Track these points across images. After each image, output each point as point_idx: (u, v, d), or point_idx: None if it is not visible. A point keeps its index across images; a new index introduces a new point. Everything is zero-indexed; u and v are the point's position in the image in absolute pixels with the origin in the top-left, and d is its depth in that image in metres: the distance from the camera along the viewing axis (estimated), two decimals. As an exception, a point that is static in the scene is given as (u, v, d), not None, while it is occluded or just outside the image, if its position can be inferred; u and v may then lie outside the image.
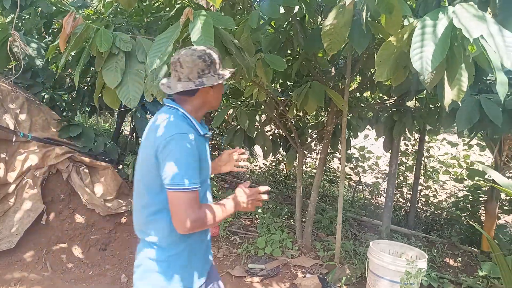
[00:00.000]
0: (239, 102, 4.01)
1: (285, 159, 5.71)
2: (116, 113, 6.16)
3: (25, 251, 3.49)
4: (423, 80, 1.69)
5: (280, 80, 4.09)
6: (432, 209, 5.32)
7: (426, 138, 5.10)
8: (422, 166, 5.11)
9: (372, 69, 3.66)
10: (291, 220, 4.66)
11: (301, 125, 4.68)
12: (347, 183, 6.06)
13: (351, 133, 4.49)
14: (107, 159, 4.47)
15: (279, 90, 4.34)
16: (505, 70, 1.85)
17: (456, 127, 3.08)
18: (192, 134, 1.43)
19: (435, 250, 4.00)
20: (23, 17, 4.56)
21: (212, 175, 2.34)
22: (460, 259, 3.98)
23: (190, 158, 1.39)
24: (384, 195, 4.69)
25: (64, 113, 4.95)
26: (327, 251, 3.84)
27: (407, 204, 5.38)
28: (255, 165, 7.18)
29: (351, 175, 6.07)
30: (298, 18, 2.94)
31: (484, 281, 3.39)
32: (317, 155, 6.02)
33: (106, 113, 6.22)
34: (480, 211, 4.59)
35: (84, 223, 3.84)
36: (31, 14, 4.44)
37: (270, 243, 3.89)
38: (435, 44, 1.42)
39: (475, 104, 2.85)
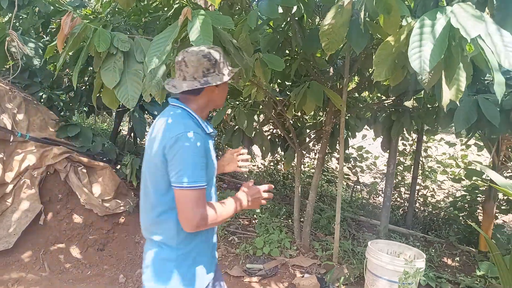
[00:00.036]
0: (238, 102, 4.01)
1: (283, 159, 5.72)
2: (114, 113, 6.15)
3: (23, 251, 3.48)
4: (421, 80, 1.69)
5: (279, 80, 4.09)
6: (430, 209, 5.33)
7: (424, 138, 5.10)
8: (420, 166, 5.12)
9: (370, 69, 3.67)
10: (289, 220, 4.66)
11: (299, 125, 4.68)
12: (345, 183, 6.07)
13: (349, 133, 4.50)
14: (105, 159, 4.47)
15: (278, 90, 4.34)
16: (503, 70, 1.86)
17: (454, 127, 3.08)
18: (199, 132, 1.45)
19: (433, 250, 4.01)
20: (20, 17, 4.55)
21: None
22: (458, 258, 3.99)
23: (197, 157, 1.40)
24: (382, 195, 4.70)
25: (62, 113, 4.94)
26: (325, 251, 3.85)
27: (405, 204, 5.39)
28: (253, 165, 7.18)
29: (349, 175, 6.07)
30: (297, 18, 2.94)
31: (482, 280, 3.40)
32: (315, 155, 6.02)
33: (104, 113, 6.21)
34: (478, 211, 4.60)
35: (82, 223, 3.83)
36: (28, 14, 4.43)
37: (269, 243, 3.89)
38: (433, 44, 1.42)
39: (473, 104, 2.86)
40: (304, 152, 4.95)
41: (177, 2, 3.29)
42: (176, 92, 1.50)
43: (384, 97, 4.33)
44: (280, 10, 2.66)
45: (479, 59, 1.71)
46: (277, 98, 3.83)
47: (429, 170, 5.58)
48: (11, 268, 3.32)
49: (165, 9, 3.81)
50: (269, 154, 4.33)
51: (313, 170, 5.95)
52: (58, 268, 3.43)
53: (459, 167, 5.33)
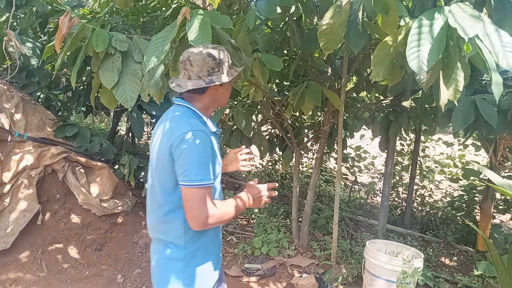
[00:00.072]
0: (236, 102, 4.01)
1: (281, 159, 5.71)
2: (112, 113, 6.14)
3: (21, 251, 3.47)
4: (419, 80, 1.70)
5: (277, 80, 4.09)
6: (428, 209, 5.34)
7: (422, 138, 5.12)
8: (417, 166, 5.13)
9: (368, 69, 3.67)
10: (288, 220, 4.66)
11: (298, 125, 4.68)
12: (343, 183, 6.07)
13: (347, 133, 4.50)
14: (103, 159, 4.46)
15: (276, 90, 4.34)
16: (501, 71, 1.86)
17: (451, 127, 3.09)
18: (204, 131, 1.45)
19: (431, 250, 4.02)
20: (18, 16, 4.53)
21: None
22: (455, 258, 4.00)
23: (203, 155, 1.41)
24: (380, 195, 4.70)
25: (60, 113, 4.93)
26: (323, 250, 3.85)
27: (403, 204, 5.40)
28: (251, 165, 7.16)
29: (347, 175, 6.08)
30: (295, 18, 2.94)
31: (480, 280, 3.41)
32: (313, 155, 6.02)
33: (102, 113, 6.20)
34: (476, 210, 4.61)
35: (80, 223, 3.82)
36: (26, 13, 4.42)
37: (267, 243, 3.89)
38: (431, 43, 1.42)
39: (471, 105, 2.87)
40: (302, 152, 4.95)
41: (175, 2, 3.29)
42: (181, 91, 1.52)
43: (382, 97, 4.34)
44: (278, 10, 2.66)
45: (477, 59, 1.71)
46: (275, 98, 3.84)
47: (427, 170, 5.60)
48: (8, 268, 3.31)
49: (163, 9, 3.81)
50: (267, 154, 4.32)
51: (311, 170, 5.95)
52: (56, 268, 3.43)
53: (457, 167, 5.34)
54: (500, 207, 4.45)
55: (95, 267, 3.53)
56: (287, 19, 2.95)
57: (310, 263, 3.67)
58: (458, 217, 4.78)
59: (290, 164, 4.54)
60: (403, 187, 5.57)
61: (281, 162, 6.18)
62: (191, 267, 1.50)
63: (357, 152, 5.86)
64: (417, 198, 5.44)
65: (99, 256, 3.67)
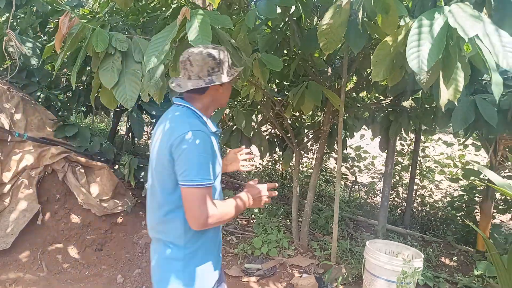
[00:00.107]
0: (236, 102, 4.01)
1: (281, 159, 5.71)
2: (111, 113, 6.14)
3: (21, 251, 3.47)
4: (419, 80, 1.70)
5: (277, 80, 4.09)
6: (428, 209, 5.34)
7: (422, 138, 5.12)
8: (417, 166, 5.13)
9: (368, 69, 3.67)
10: (288, 220, 4.66)
11: (298, 125, 4.68)
12: (343, 183, 6.07)
13: (347, 133, 4.50)
14: (103, 159, 4.46)
15: (276, 90, 4.34)
16: (500, 71, 1.86)
17: (451, 127, 3.09)
18: (204, 131, 1.46)
19: (431, 250, 4.02)
20: (18, 16, 4.53)
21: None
22: (455, 258, 4.00)
23: (203, 155, 1.41)
24: (380, 195, 4.70)
25: (60, 113, 4.93)
26: (323, 250, 3.85)
27: (403, 204, 5.40)
28: (251, 165, 7.17)
29: (347, 175, 6.08)
30: (295, 18, 2.94)
31: (480, 280, 3.41)
32: (313, 155, 6.02)
33: (102, 113, 6.20)
34: (476, 210, 4.61)
35: (80, 223, 3.82)
36: (26, 13, 4.41)
37: (267, 243, 3.89)
38: (431, 43, 1.42)
39: (471, 105, 2.87)
40: (302, 152, 4.95)
41: (175, 2, 3.29)
42: (181, 91, 1.52)
43: (382, 97, 4.34)
44: (279, 10, 2.66)
45: (477, 59, 1.71)
46: (275, 98, 3.84)
47: (427, 170, 5.60)
48: (8, 268, 3.31)
49: (163, 9, 3.81)
50: (267, 154, 4.32)
51: (311, 170, 5.95)
52: (56, 268, 3.43)
53: (457, 167, 5.34)
54: (500, 207, 4.45)
55: (95, 267, 3.53)
56: (287, 19, 2.95)
57: (310, 263, 3.67)
58: (458, 217, 4.78)
59: (290, 164, 4.54)
60: (403, 187, 5.57)
61: (281, 162, 6.18)
62: (191, 267, 1.50)
63: (357, 152, 5.86)
64: (417, 198, 5.44)
65: (99, 256, 3.67)
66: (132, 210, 4.17)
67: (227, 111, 3.92)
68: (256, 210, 4.58)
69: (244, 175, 6.84)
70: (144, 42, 2.26)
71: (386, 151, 4.36)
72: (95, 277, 3.38)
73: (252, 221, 4.65)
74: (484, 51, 1.43)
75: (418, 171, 5.25)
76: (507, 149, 3.84)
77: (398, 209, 5.43)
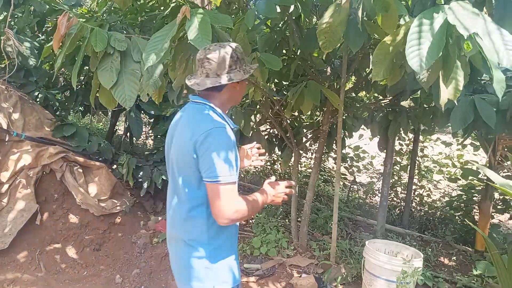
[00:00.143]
0: (235, 102, 4.00)
1: (280, 158, 5.71)
2: (109, 113, 6.12)
3: (19, 251, 3.46)
4: (419, 79, 1.69)
5: (276, 80, 4.08)
6: (426, 209, 5.34)
7: (421, 138, 5.12)
8: (416, 166, 5.13)
9: (367, 69, 3.67)
10: (287, 220, 4.65)
11: (297, 124, 4.67)
12: (342, 183, 6.07)
13: (346, 132, 4.50)
14: (101, 158, 4.45)
15: (275, 89, 4.34)
16: (500, 70, 1.85)
17: (450, 127, 3.09)
18: (227, 127, 1.48)
19: (430, 249, 4.02)
20: (16, 16, 4.51)
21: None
22: (454, 258, 4.00)
23: (227, 151, 1.43)
24: (379, 195, 4.70)
25: (58, 112, 4.91)
26: (322, 250, 3.84)
27: (402, 204, 5.40)
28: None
29: (346, 175, 6.08)
30: (294, 18, 2.93)
31: (479, 280, 3.41)
32: (312, 154, 6.02)
33: (100, 112, 6.18)
34: (474, 210, 4.61)
35: (78, 223, 3.81)
36: (24, 13, 4.39)
37: (266, 242, 3.89)
38: (431, 42, 1.42)
39: (470, 104, 2.87)
40: (301, 152, 4.95)
41: (173, 1, 3.28)
42: (200, 89, 1.53)
43: (381, 97, 4.33)
44: (278, 10, 2.66)
45: (476, 59, 1.71)
46: (275, 98, 3.82)
47: (426, 169, 5.60)
48: (6, 268, 3.30)
49: (162, 8, 3.80)
50: (266, 153, 4.32)
51: (310, 170, 5.94)
52: (54, 268, 3.42)
53: (455, 167, 5.35)
54: (498, 207, 4.45)
55: (93, 267, 3.52)
56: (286, 19, 2.94)
57: (309, 263, 3.66)
58: (457, 217, 4.78)
59: (289, 164, 4.53)
60: (402, 187, 5.57)
61: (280, 162, 6.18)
62: (218, 263, 1.53)
63: (356, 152, 5.86)
64: (415, 198, 5.44)
65: (97, 256, 3.66)
66: (130, 210, 4.16)
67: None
68: (256, 210, 4.57)
69: (242, 175, 6.83)
70: (142, 41, 2.25)
71: (385, 151, 4.36)
72: (93, 277, 3.37)
73: (251, 221, 4.64)
74: (485, 48, 1.42)
75: (416, 171, 5.26)
76: (506, 149, 3.85)
77: (397, 209, 5.43)
